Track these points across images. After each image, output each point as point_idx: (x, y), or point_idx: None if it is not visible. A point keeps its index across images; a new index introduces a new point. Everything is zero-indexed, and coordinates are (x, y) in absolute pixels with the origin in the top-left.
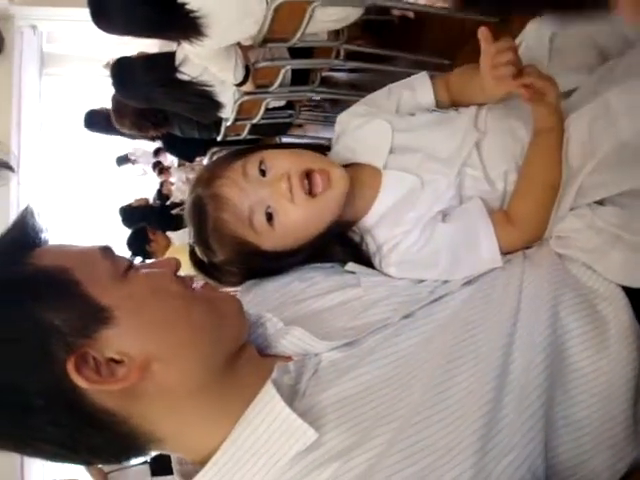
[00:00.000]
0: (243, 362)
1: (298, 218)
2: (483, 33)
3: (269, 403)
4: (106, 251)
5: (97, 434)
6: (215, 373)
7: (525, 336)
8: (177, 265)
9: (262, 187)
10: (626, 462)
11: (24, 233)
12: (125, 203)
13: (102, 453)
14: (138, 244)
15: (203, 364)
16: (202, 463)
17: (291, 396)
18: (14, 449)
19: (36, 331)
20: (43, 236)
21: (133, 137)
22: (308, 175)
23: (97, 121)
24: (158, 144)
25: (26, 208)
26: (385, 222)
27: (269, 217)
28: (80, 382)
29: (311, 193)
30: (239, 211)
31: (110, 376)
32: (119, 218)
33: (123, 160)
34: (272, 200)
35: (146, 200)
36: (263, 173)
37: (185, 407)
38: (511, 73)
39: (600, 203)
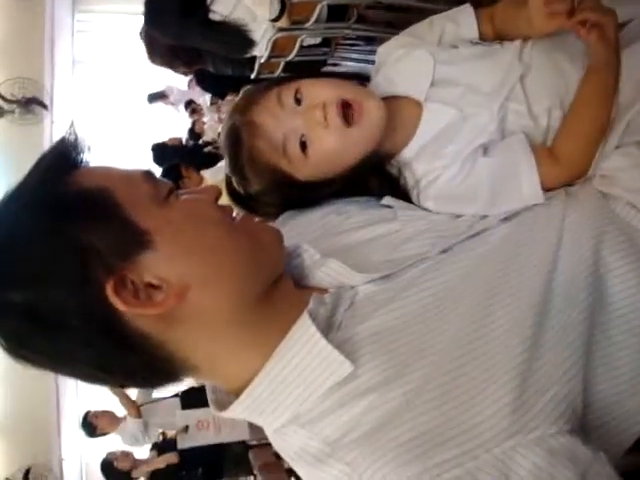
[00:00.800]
0: (279, 293)
1: (332, 146)
2: None
3: (305, 334)
4: (148, 175)
5: (132, 357)
6: (252, 302)
7: (566, 272)
8: (218, 193)
9: (297, 116)
10: None
11: (67, 152)
12: (158, 141)
13: (136, 376)
14: (170, 180)
15: (240, 292)
16: (237, 393)
17: (327, 328)
18: (51, 368)
19: (76, 251)
20: (85, 157)
21: None
22: (344, 105)
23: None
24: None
25: (70, 126)
26: (424, 155)
27: (303, 146)
28: (118, 305)
29: (347, 122)
30: (273, 139)
31: (148, 300)
32: (151, 156)
33: (155, 97)
34: (306, 128)
35: (180, 140)
36: (299, 102)
37: (221, 335)
38: (565, 10)
39: None
